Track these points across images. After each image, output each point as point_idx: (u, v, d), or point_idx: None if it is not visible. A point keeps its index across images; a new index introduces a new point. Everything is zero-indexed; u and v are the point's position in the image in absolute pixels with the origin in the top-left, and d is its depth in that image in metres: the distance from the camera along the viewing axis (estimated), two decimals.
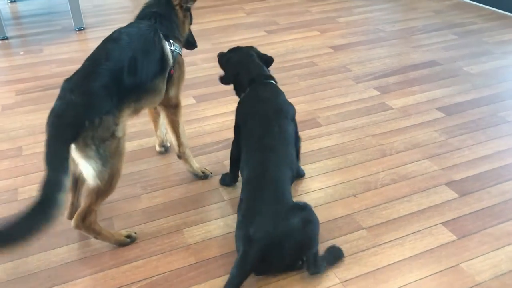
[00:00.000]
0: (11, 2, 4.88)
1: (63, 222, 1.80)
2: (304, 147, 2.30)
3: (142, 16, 1.92)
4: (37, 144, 2.38)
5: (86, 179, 1.60)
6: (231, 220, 1.84)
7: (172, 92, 1.92)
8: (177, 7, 1.95)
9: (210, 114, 2.64)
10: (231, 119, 2.55)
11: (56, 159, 1.41)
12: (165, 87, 1.86)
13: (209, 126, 2.52)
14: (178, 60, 1.91)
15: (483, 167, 2.11)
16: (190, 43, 2.15)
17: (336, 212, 1.87)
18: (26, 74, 3.24)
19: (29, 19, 4.49)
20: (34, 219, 1.31)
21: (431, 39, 3.60)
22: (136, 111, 1.78)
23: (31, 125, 2.58)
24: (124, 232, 1.77)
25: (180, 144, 2.05)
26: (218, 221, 1.84)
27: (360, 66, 3.16)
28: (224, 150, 2.29)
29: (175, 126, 2.01)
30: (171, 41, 1.87)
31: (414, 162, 2.16)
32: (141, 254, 1.69)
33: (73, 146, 1.47)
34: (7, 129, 2.55)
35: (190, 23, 2.09)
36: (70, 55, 3.52)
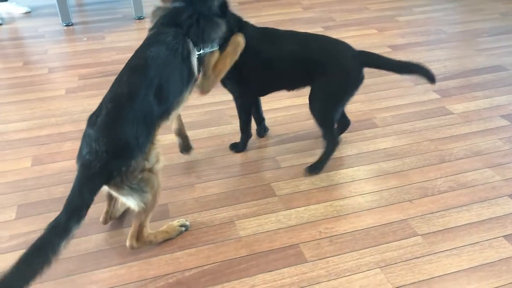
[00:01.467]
0: None
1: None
2: (359, 147, 2.26)
3: (171, 17, 1.78)
4: None
5: (132, 209, 1.63)
6: (283, 216, 1.84)
7: (202, 88, 1.90)
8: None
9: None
10: (283, 115, 2.55)
11: (74, 206, 1.43)
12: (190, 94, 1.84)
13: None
14: (207, 59, 1.82)
15: None
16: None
17: (391, 216, 1.82)
18: (88, 60, 3.37)
19: (92, 6, 4.67)
20: (33, 262, 1.31)
21: (497, 43, 3.43)
22: (167, 123, 1.76)
23: (93, 109, 2.64)
24: (176, 223, 1.78)
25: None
26: (270, 216, 1.85)
27: None
28: (276, 145, 2.30)
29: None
30: (201, 46, 1.77)
31: (475, 171, 2.07)
32: (194, 242, 1.73)
33: (113, 193, 1.57)
34: (70, 111, 2.66)
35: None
36: (129, 43, 3.62)
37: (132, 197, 1.57)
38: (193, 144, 2.22)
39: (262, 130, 2.37)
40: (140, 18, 4.13)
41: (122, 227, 1.82)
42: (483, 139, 2.30)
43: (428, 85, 2.81)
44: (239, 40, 1.93)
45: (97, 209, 1.73)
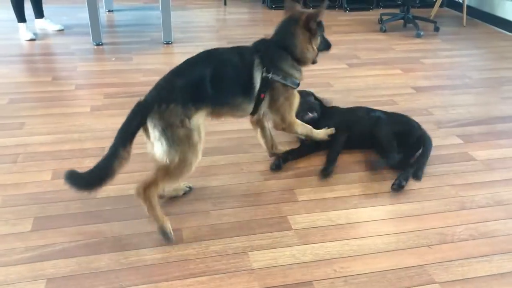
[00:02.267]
0: (108, 11, 5.25)
1: (135, 225, 1.87)
2: (379, 187, 2.23)
3: (258, 43, 2.13)
4: None
5: (157, 160, 1.81)
6: (297, 251, 1.81)
7: (275, 117, 2.17)
8: (301, 32, 2.10)
9: None
10: None
11: (121, 134, 1.76)
12: (250, 107, 2.08)
13: None
14: (275, 87, 2.07)
15: None
16: (327, 49, 2.29)
17: (408, 260, 1.78)
18: (115, 80, 3.44)
19: (123, 28, 4.80)
20: (102, 168, 1.73)
21: None
22: (216, 115, 2.04)
23: (115, 128, 2.64)
24: (169, 224, 1.86)
25: (311, 138, 2.35)
26: (285, 250, 1.82)
27: (442, 111, 3.05)
28: (295, 178, 2.28)
29: (296, 133, 2.32)
30: (270, 70, 2.03)
31: (497, 220, 2.02)
32: (206, 270, 1.70)
33: (150, 129, 1.78)
34: (93, 129, 2.70)
35: (320, 39, 2.20)
36: (156, 66, 3.69)
37: (161, 143, 1.76)
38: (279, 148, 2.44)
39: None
40: (168, 43, 4.23)
41: (132, 248, 1.81)
42: (507, 189, 2.25)
43: (451, 129, 2.80)
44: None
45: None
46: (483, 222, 2.01)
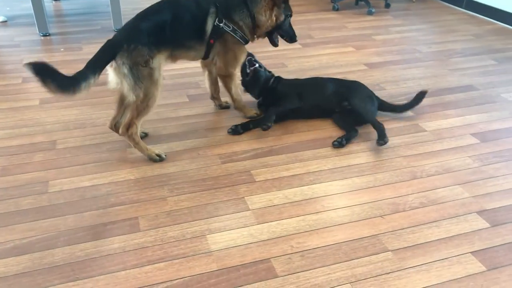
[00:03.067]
0: (55, 0, 5.04)
1: (90, 217, 1.84)
2: (334, 162, 2.28)
3: None
4: (71, 139, 2.44)
5: (125, 94, 2.12)
6: (255, 230, 1.83)
7: (219, 62, 2.41)
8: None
9: None
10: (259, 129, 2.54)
11: (91, 64, 1.97)
12: (202, 50, 2.33)
13: None
14: (224, 37, 2.31)
15: None
16: (289, 37, 2.57)
17: (362, 231, 1.83)
18: (64, 71, 3.24)
19: (71, 17, 4.63)
20: (67, 80, 1.91)
21: (469, 63, 3.53)
22: (173, 58, 2.27)
23: (66, 120, 2.64)
24: (157, 151, 2.27)
25: (233, 100, 2.61)
26: (242, 230, 1.84)
27: (394, 86, 3.12)
28: (252, 159, 2.30)
29: (228, 88, 2.55)
30: (223, 20, 2.26)
31: (445, 187, 2.11)
32: (163, 256, 1.70)
33: (115, 66, 2.04)
34: (43, 122, 2.62)
35: (284, 17, 2.43)
36: None
37: (128, 80, 2.05)
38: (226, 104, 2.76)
39: None
40: None
41: (88, 240, 1.78)
42: (454, 157, 2.34)
43: (403, 103, 2.87)
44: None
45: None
46: (433, 189, 2.10)
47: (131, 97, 2.10)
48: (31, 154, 2.32)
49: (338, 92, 2.62)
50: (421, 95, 2.72)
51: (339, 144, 2.40)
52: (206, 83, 2.71)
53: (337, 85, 2.68)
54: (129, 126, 2.16)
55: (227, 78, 2.50)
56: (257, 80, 2.67)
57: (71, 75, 1.92)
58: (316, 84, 2.75)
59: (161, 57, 2.14)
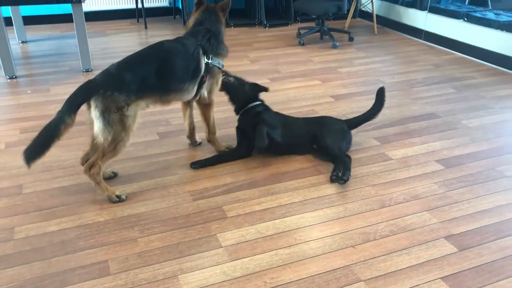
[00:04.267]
0: (22, 42, 5.03)
1: (58, 263, 1.79)
2: (304, 194, 2.30)
3: (193, 33, 2.43)
4: (38, 183, 2.39)
5: (94, 135, 2.14)
6: (228, 268, 1.82)
7: (205, 94, 2.47)
8: (223, 19, 2.51)
9: None
10: (231, 163, 2.56)
11: (67, 106, 2.03)
12: (195, 89, 2.40)
13: None
14: (212, 71, 2.43)
15: (483, 222, 2.10)
16: None
17: (335, 263, 1.84)
18: (31, 113, 3.29)
19: (38, 59, 4.61)
20: (47, 133, 2.01)
21: (431, 92, 3.68)
22: (164, 102, 2.33)
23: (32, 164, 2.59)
24: (117, 192, 2.26)
25: (209, 131, 2.64)
26: (215, 269, 1.82)
27: None
28: (224, 194, 2.30)
29: (207, 118, 2.60)
30: (210, 56, 2.39)
31: (414, 214, 2.15)
32: None
33: (92, 107, 2.08)
34: (9, 167, 2.56)
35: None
36: None
37: (99, 123, 2.08)
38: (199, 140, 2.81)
39: None
40: (88, 71, 4.12)
41: (56, 287, 1.73)
42: (421, 184, 2.41)
43: (369, 133, 2.96)
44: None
45: None
46: (402, 217, 2.14)
47: (99, 139, 2.12)
48: None
49: (311, 131, 2.66)
50: (380, 92, 2.80)
51: (337, 178, 2.40)
52: (185, 120, 2.73)
53: (309, 124, 2.73)
54: (92, 165, 2.17)
55: (208, 107, 2.56)
56: (236, 89, 2.70)
57: (48, 125, 2.01)
58: (292, 123, 2.75)
59: (141, 104, 2.18)
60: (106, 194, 2.23)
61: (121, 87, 2.09)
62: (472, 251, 1.91)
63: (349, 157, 2.58)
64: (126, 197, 2.26)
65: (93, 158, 2.18)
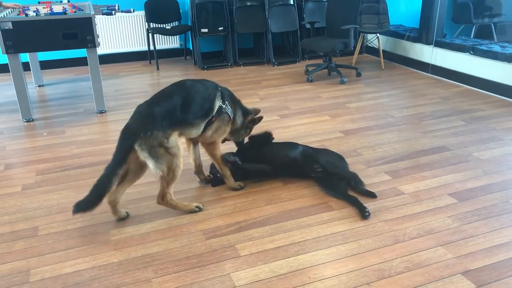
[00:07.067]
0: (39, 86, 5.19)
1: None
2: (317, 231, 2.30)
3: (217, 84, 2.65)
4: (53, 224, 2.42)
5: (153, 173, 2.32)
6: None
7: (209, 134, 2.59)
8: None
9: None
10: (241, 201, 2.57)
11: (116, 157, 2.28)
12: (202, 126, 2.53)
13: None
14: (223, 117, 2.59)
15: (499, 256, 2.07)
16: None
17: None
18: (47, 155, 3.36)
19: (54, 102, 4.75)
20: (100, 187, 2.26)
21: (440, 125, 3.69)
22: (181, 135, 2.47)
23: (48, 205, 2.64)
24: (194, 204, 2.54)
25: (221, 168, 2.73)
26: None
27: (370, 151, 3.23)
28: (236, 233, 2.30)
29: (214, 155, 2.70)
30: (226, 102, 2.59)
31: (428, 250, 2.13)
32: None
33: (138, 152, 2.26)
34: (25, 208, 2.61)
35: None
36: (90, 136, 3.66)
37: (150, 161, 2.27)
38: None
39: None
40: (102, 112, 4.22)
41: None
42: (434, 218, 2.39)
43: (379, 167, 2.96)
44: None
45: None
46: (416, 252, 2.12)
47: (158, 174, 2.32)
48: (12, 243, 2.28)
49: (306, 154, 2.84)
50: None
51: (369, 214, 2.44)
52: (190, 157, 2.81)
53: (305, 148, 2.92)
54: (163, 196, 2.42)
55: (211, 145, 2.67)
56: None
57: (101, 176, 2.27)
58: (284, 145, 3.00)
59: (175, 135, 2.37)
60: (187, 209, 2.50)
61: (156, 125, 2.28)
62: (490, 287, 1.88)
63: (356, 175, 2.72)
64: (203, 206, 2.55)
65: (160, 190, 2.42)
